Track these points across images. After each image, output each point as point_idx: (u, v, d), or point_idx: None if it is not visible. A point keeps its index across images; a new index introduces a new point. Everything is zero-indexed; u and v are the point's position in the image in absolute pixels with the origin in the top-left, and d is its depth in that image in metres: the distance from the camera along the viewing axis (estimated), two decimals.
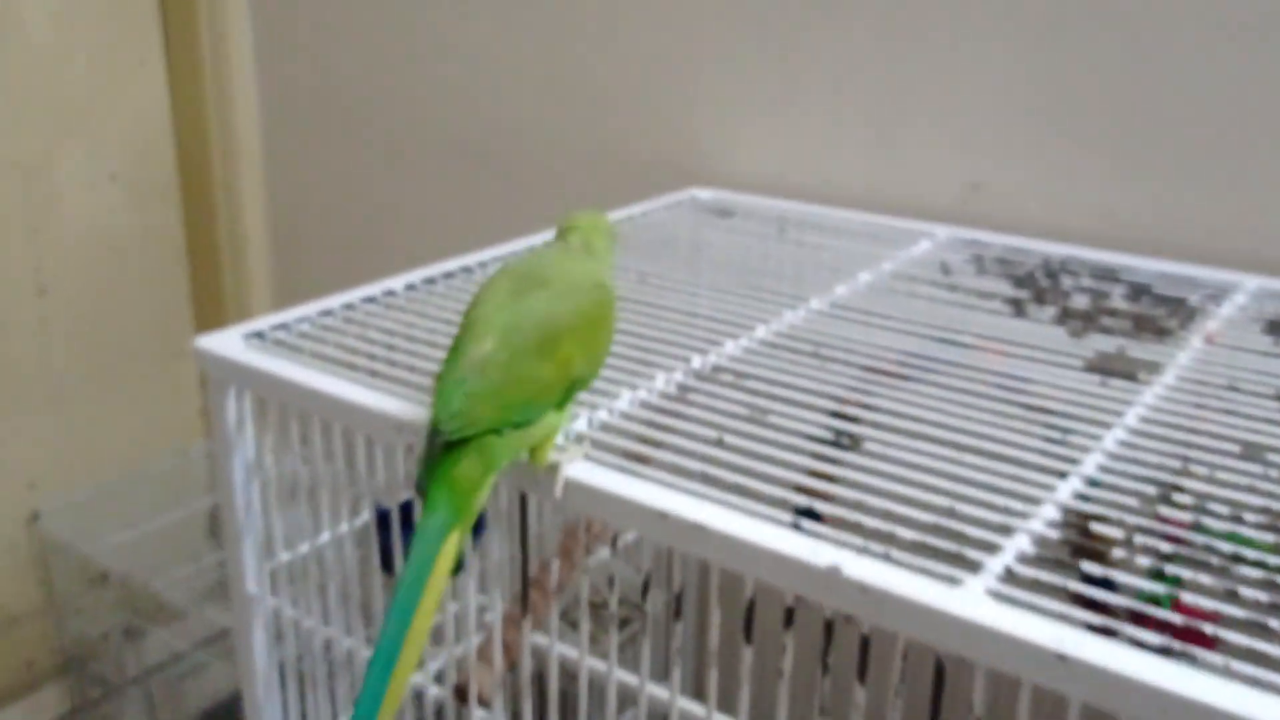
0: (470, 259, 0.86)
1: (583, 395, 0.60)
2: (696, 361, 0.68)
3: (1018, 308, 0.77)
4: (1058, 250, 0.89)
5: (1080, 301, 0.78)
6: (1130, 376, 0.66)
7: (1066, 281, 0.82)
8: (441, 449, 0.50)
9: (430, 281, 0.82)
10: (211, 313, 1.57)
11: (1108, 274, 0.84)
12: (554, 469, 0.53)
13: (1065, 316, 0.76)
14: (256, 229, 1.52)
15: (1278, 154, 0.83)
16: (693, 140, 1.11)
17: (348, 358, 0.69)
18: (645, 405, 0.63)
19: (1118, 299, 0.79)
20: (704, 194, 1.07)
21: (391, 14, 1.32)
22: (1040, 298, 0.79)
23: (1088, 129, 0.91)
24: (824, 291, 0.80)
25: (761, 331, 0.73)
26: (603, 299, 0.56)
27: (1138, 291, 0.80)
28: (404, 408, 0.60)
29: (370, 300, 0.78)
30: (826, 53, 1.02)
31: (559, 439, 0.55)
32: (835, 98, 1.02)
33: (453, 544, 0.50)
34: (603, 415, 0.61)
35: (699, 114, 1.11)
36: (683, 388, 0.65)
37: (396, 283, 0.80)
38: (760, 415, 0.61)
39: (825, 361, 0.68)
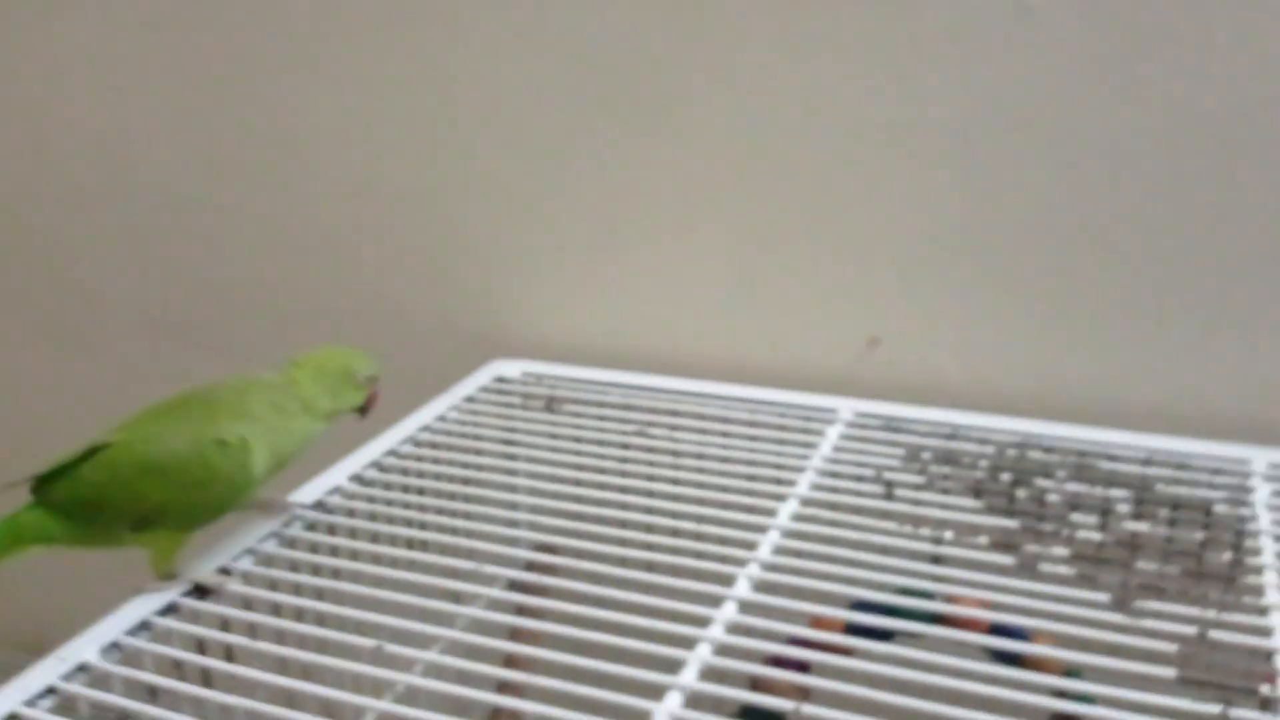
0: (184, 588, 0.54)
1: None
2: None
3: (1019, 555, 0.56)
4: (1001, 428, 0.68)
5: (1087, 528, 0.58)
6: (1247, 691, 0.46)
7: (1047, 489, 0.61)
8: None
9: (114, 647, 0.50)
10: None
11: (1084, 467, 0.64)
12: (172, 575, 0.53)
13: (1086, 564, 0.55)
14: None
15: (1270, 288, 0.67)
16: (489, 296, 0.83)
17: None
18: None
19: (1125, 514, 0.59)
20: (510, 369, 0.80)
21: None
22: (1035, 528, 0.58)
23: (1013, 263, 0.72)
24: (746, 556, 0.55)
25: (690, 674, 0.47)
26: (208, 458, 0.52)
27: (1141, 495, 0.61)
28: None
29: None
30: (664, 178, 0.77)
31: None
32: (679, 236, 0.78)
33: None
34: None
35: (495, 262, 0.83)
36: None
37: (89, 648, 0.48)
38: None
39: None
